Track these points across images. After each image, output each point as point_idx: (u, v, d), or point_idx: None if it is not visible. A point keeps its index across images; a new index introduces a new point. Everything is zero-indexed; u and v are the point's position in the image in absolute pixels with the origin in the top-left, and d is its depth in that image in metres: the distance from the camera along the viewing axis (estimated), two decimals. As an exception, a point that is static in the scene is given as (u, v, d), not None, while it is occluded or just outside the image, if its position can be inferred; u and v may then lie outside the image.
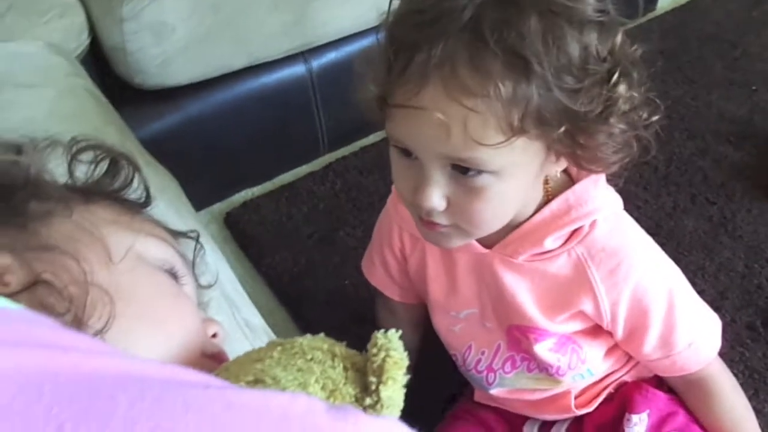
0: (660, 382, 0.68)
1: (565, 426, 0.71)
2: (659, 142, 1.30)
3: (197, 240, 0.57)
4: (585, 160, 0.52)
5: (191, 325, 0.43)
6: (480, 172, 0.49)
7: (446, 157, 0.49)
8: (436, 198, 0.51)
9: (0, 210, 0.39)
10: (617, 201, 0.60)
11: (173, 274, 0.45)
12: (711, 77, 1.31)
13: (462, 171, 0.50)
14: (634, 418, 0.66)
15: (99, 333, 0.37)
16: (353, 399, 0.35)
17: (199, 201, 0.94)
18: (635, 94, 0.51)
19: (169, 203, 0.65)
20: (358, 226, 1.07)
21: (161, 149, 0.84)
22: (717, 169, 1.14)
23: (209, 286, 0.56)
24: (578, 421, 0.70)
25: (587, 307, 0.60)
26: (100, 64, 0.96)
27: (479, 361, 0.68)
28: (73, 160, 0.49)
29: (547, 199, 0.58)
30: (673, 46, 1.38)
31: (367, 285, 0.76)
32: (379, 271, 0.72)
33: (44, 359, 0.26)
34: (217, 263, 0.64)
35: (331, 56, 1.12)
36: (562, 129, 0.48)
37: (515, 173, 0.50)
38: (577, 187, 0.57)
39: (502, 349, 0.66)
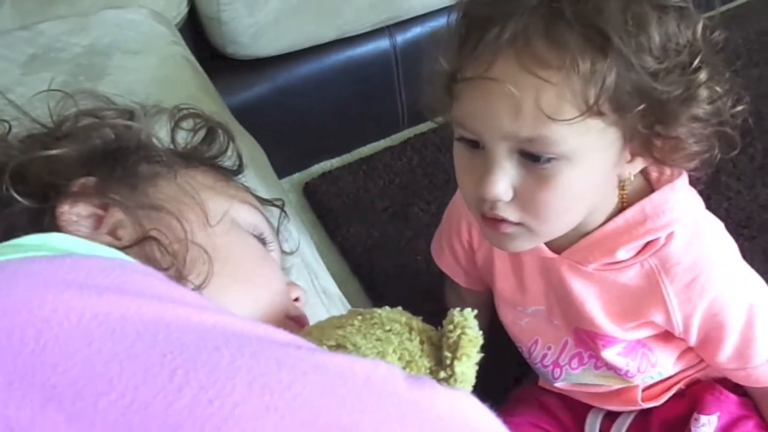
0: (735, 384, 0.66)
1: (631, 417, 0.70)
2: (758, 129, 1.21)
3: (282, 208, 0.60)
4: (662, 152, 0.50)
5: (277, 287, 0.46)
6: (550, 159, 0.47)
7: (515, 138, 0.47)
8: (502, 185, 0.49)
9: (115, 170, 0.43)
10: (698, 205, 0.58)
11: (262, 239, 0.48)
12: (818, 65, 1.22)
13: (533, 159, 0.48)
14: (703, 418, 0.65)
15: (197, 289, 0.40)
16: (428, 371, 0.36)
17: (280, 169, 0.97)
18: (717, 89, 0.50)
19: (257, 172, 0.69)
20: (432, 202, 1.08)
21: (248, 118, 0.88)
22: (818, 162, 1.07)
23: (291, 253, 0.59)
24: (644, 413, 0.69)
25: (658, 318, 0.58)
26: (195, 33, 1.00)
27: (545, 356, 0.67)
28: (175, 126, 0.53)
29: (622, 206, 0.55)
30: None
31: (431, 264, 0.77)
32: (448, 257, 0.73)
33: (159, 310, 0.29)
34: (298, 231, 0.66)
35: (416, 31, 1.12)
36: (639, 109, 0.46)
37: (588, 160, 0.48)
38: (654, 195, 0.55)
39: (570, 346, 0.66)
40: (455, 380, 0.36)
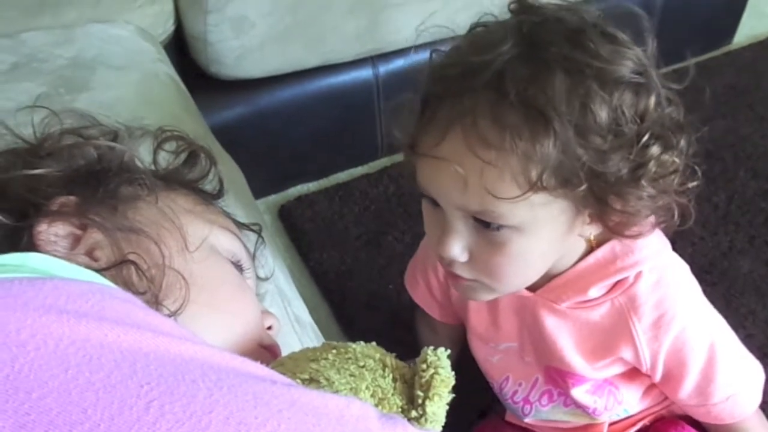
0: (696, 421, 0.68)
1: None
2: (723, 179, 1.24)
3: (259, 233, 0.60)
4: (615, 223, 0.51)
5: (252, 316, 0.46)
6: (500, 227, 0.49)
7: (465, 210, 0.49)
8: (457, 248, 0.51)
9: (97, 191, 0.43)
10: (665, 247, 0.59)
11: (239, 266, 0.48)
12: (784, 118, 1.28)
13: (484, 224, 0.50)
14: None
15: (172, 315, 0.40)
16: (399, 410, 0.37)
17: (255, 191, 0.97)
18: (675, 159, 0.50)
19: (235, 194, 0.69)
20: (406, 231, 1.09)
21: (227, 137, 0.88)
22: (780, 212, 1.12)
23: (266, 279, 0.59)
24: None
25: (627, 354, 0.60)
26: (179, 50, 1.00)
27: (516, 392, 0.68)
28: (158, 148, 0.53)
29: (591, 248, 0.57)
30: (746, 82, 1.35)
31: (402, 293, 0.78)
32: (422, 289, 0.74)
33: (138, 339, 0.29)
34: (273, 257, 0.66)
35: (399, 63, 1.14)
36: (584, 187, 0.47)
37: (538, 230, 0.50)
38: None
39: (540, 383, 0.67)
40: (426, 420, 0.36)
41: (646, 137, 0.48)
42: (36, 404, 0.25)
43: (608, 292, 0.58)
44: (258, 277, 0.56)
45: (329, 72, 1.09)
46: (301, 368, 0.38)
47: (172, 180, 0.51)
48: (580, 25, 0.48)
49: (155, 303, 0.39)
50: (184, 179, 0.52)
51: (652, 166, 0.49)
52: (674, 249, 0.62)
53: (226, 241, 0.48)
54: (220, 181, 0.56)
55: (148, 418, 0.25)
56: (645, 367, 0.60)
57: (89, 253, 0.40)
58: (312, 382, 0.37)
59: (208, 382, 0.28)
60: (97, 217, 0.41)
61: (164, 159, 0.54)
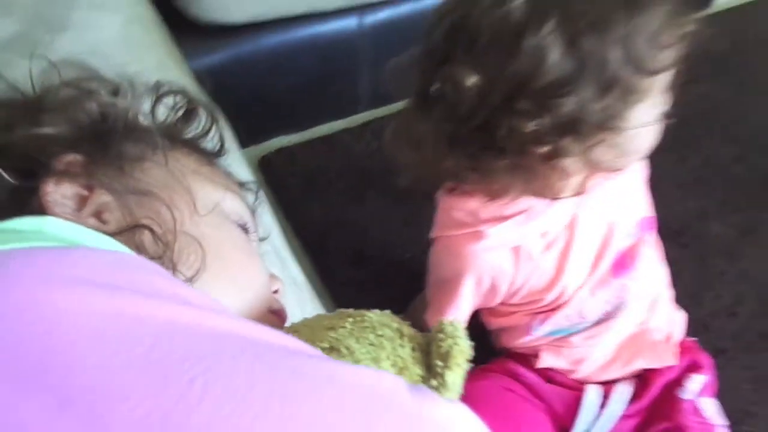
0: None
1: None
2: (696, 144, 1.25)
3: (257, 192, 0.59)
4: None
5: (261, 280, 0.45)
6: None
7: None
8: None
9: (103, 152, 0.41)
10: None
11: (245, 229, 0.47)
12: (760, 84, 1.31)
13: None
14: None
15: (188, 281, 0.39)
16: (420, 378, 0.37)
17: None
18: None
19: (229, 150, 0.66)
20: (387, 189, 1.09)
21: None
22: (751, 177, 1.15)
23: (265, 239, 0.58)
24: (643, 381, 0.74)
25: None
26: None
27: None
28: (157, 102, 0.50)
29: None
30: (724, 47, 1.36)
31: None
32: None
33: (173, 313, 0.28)
34: (269, 215, 0.65)
35: (385, 15, 1.11)
36: None
37: None
38: None
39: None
40: (445, 389, 0.37)
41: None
42: (74, 382, 0.24)
43: None
44: (260, 238, 0.55)
45: (314, 21, 1.05)
46: (320, 337, 0.38)
47: (173, 137, 0.49)
48: None
49: (172, 270, 0.38)
50: (185, 137, 0.50)
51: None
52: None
53: (233, 204, 0.46)
54: (221, 139, 0.54)
55: (192, 396, 0.25)
56: None
57: (97, 215, 0.39)
58: (332, 351, 0.37)
59: (247, 358, 0.27)
60: (104, 178, 0.40)
61: (161, 114, 0.52)
